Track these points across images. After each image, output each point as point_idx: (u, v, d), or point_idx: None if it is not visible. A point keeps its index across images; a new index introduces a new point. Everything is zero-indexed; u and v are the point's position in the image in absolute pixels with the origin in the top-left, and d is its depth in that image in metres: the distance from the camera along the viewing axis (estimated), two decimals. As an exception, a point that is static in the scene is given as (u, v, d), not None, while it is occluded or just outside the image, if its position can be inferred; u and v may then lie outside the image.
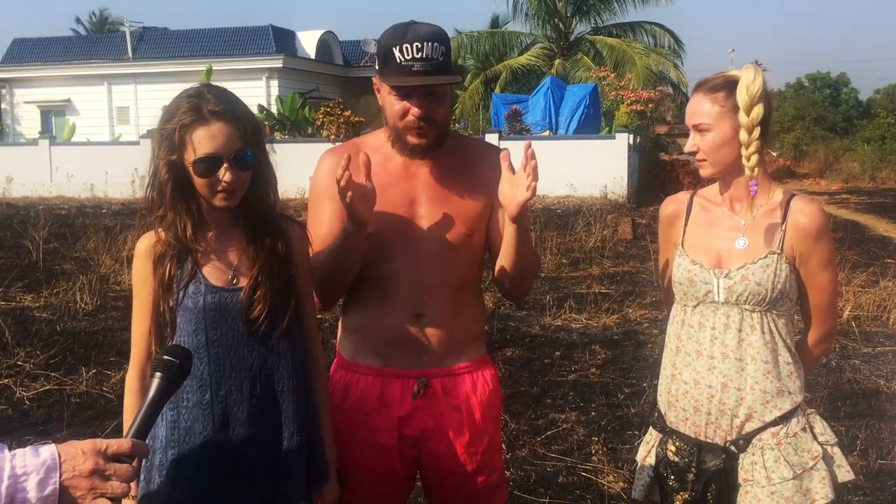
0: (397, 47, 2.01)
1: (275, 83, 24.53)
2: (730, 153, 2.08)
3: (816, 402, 4.99)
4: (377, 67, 2.12)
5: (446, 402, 2.23)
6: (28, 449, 1.34)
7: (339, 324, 2.35)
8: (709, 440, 2.15)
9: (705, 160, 2.12)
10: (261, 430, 1.96)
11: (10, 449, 1.33)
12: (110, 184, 19.69)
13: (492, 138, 17.30)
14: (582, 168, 17.33)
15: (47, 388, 5.58)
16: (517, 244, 2.10)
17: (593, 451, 4.48)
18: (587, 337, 6.92)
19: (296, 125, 21.03)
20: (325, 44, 27.22)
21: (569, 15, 28.56)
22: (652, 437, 2.31)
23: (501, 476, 2.39)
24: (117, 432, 4.42)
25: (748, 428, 2.11)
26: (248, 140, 1.89)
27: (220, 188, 1.87)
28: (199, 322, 1.91)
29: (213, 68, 21.64)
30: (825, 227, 2.09)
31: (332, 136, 18.59)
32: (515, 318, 7.48)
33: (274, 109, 21.91)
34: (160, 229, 1.93)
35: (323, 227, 2.16)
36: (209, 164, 1.84)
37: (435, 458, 2.25)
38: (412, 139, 2.10)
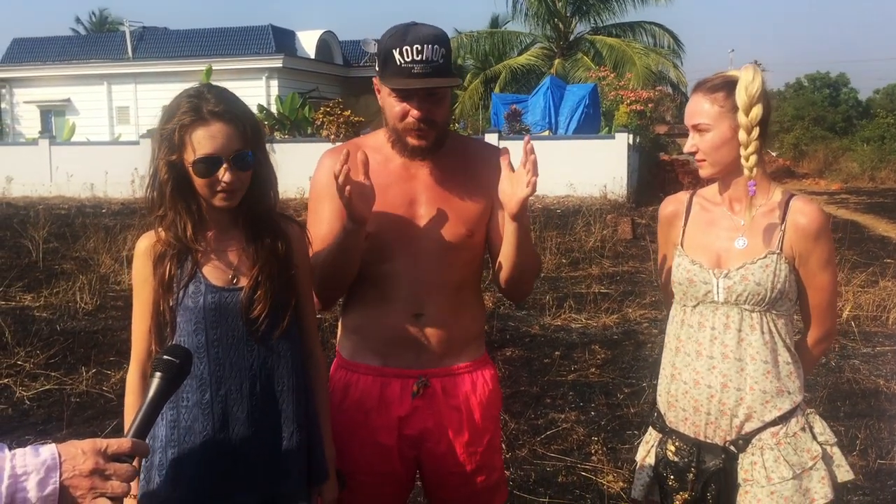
0: (398, 49, 2.01)
1: (274, 83, 24.53)
2: (729, 153, 2.08)
3: (816, 402, 4.99)
4: (377, 69, 2.12)
5: (446, 402, 2.23)
6: (28, 449, 1.34)
7: (339, 323, 2.35)
8: (708, 440, 2.15)
9: (705, 160, 2.12)
10: (261, 429, 1.96)
11: (10, 448, 1.34)
12: (110, 183, 19.69)
13: (491, 138, 17.30)
14: (581, 168, 17.34)
15: (47, 387, 5.59)
16: (518, 243, 2.10)
17: (593, 451, 4.48)
18: (587, 337, 6.92)
19: (295, 125, 21.03)
20: (324, 44, 27.22)
21: (568, 15, 28.56)
22: (651, 436, 2.32)
23: (501, 476, 2.40)
24: (117, 432, 4.43)
25: (748, 428, 2.11)
26: (248, 140, 1.89)
27: (219, 188, 1.87)
28: (199, 322, 1.92)
29: (213, 68, 21.64)
30: (824, 226, 2.10)
31: (332, 136, 18.59)
32: (515, 318, 7.48)
33: (274, 109, 21.91)
34: (160, 229, 1.93)
35: (323, 226, 2.17)
36: (209, 165, 1.84)
37: (435, 458, 2.25)
38: (412, 141, 2.10)
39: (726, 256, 2.13)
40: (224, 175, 1.86)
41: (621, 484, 4.05)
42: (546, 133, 19.71)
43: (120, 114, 25.87)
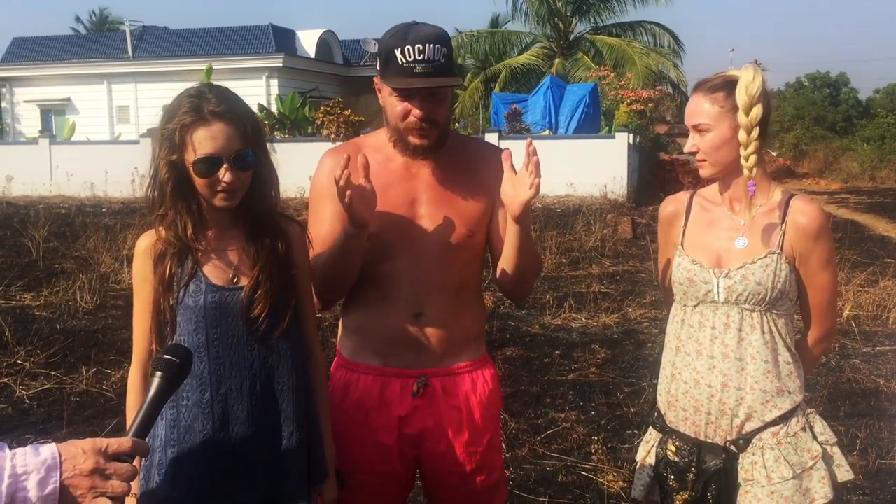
0: (399, 49, 2.01)
1: (275, 82, 24.53)
2: (729, 153, 2.08)
3: (816, 402, 4.99)
4: (378, 68, 2.12)
5: (446, 402, 2.23)
6: (28, 448, 1.34)
7: (340, 323, 2.35)
8: (709, 440, 2.15)
9: (705, 160, 2.12)
10: (260, 429, 1.96)
11: (10, 448, 1.34)
12: (110, 183, 19.70)
13: (491, 138, 17.31)
14: (582, 167, 17.33)
15: (47, 386, 5.59)
16: (519, 245, 2.10)
17: (593, 451, 4.48)
18: (587, 336, 6.92)
19: (296, 124, 21.03)
20: (324, 43, 27.21)
21: (568, 14, 28.55)
22: (652, 436, 2.32)
23: (501, 475, 2.39)
24: (117, 431, 4.43)
25: (748, 428, 2.11)
26: (249, 140, 1.89)
27: (220, 188, 1.87)
28: (200, 321, 1.92)
29: (213, 67, 21.64)
30: (825, 226, 2.10)
31: (332, 136, 18.59)
32: (515, 318, 7.49)
33: (274, 109, 21.91)
34: (161, 228, 1.93)
35: (324, 227, 2.17)
36: (209, 165, 1.84)
37: (434, 458, 2.25)
38: (414, 140, 2.10)
39: (727, 256, 2.13)
40: (224, 175, 1.86)
41: (621, 483, 4.06)
42: (546, 133, 19.70)
43: (120, 113, 25.87)
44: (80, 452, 1.34)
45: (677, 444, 2.19)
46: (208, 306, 1.91)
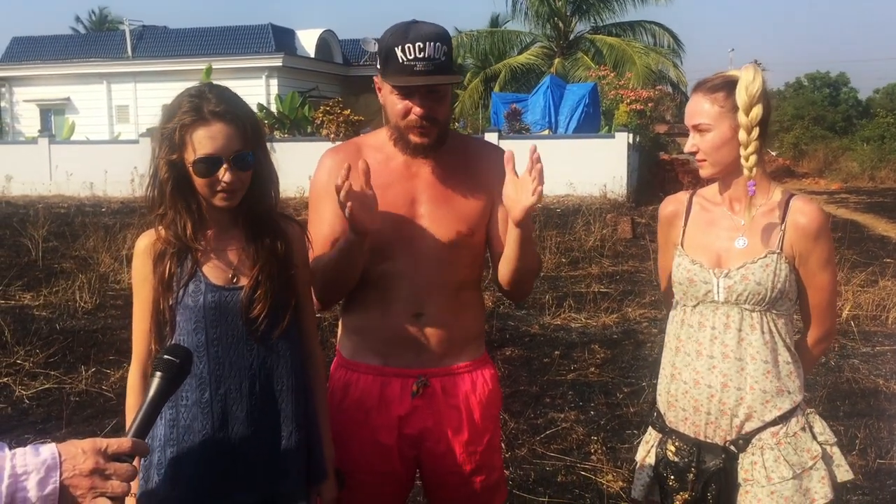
0: (399, 47, 2.01)
1: (274, 82, 24.52)
2: (729, 153, 2.08)
3: (815, 402, 4.99)
4: (379, 67, 2.12)
5: (445, 402, 2.23)
6: (28, 448, 1.34)
7: (339, 323, 2.35)
8: (708, 440, 2.15)
9: (705, 160, 2.12)
10: (260, 429, 1.96)
11: (10, 448, 1.33)
12: (109, 182, 19.70)
13: (491, 137, 17.30)
14: (581, 167, 17.33)
15: (46, 386, 5.58)
16: (520, 248, 2.10)
17: (592, 451, 4.48)
18: (586, 336, 6.92)
19: (295, 124, 21.03)
20: (324, 42, 27.21)
21: (568, 14, 28.55)
22: (651, 436, 2.32)
23: (501, 475, 2.39)
24: (116, 431, 4.43)
25: (748, 428, 2.11)
26: (249, 140, 1.89)
27: (219, 188, 1.87)
28: (199, 321, 1.92)
29: (213, 67, 21.62)
30: (824, 226, 2.10)
31: (332, 135, 18.59)
32: (515, 318, 7.49)
33: (273, 108, 21.91)
34: (160, 227, 1.93)
35: (324, 226, 2.16)
36: (209, 165, 1.84)
37: (434, 458, 2.25)
38: (414, 138, 2.10)
39: (726, 256, 2.13)
40: (224, 175, 1.86)
41: (621, 483, 4.06)
42: (546, 132, 19.71)
43: (119, 112, 25.87)
44: (79, 452, 1.34)
45: (677, 444, 2.19)
46: (208, 306, 1.91)
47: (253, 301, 1.92)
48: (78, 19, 54.09)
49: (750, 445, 2.11)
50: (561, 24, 28.54)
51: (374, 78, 2.17)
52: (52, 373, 5.82)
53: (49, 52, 27.02)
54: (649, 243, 10.61)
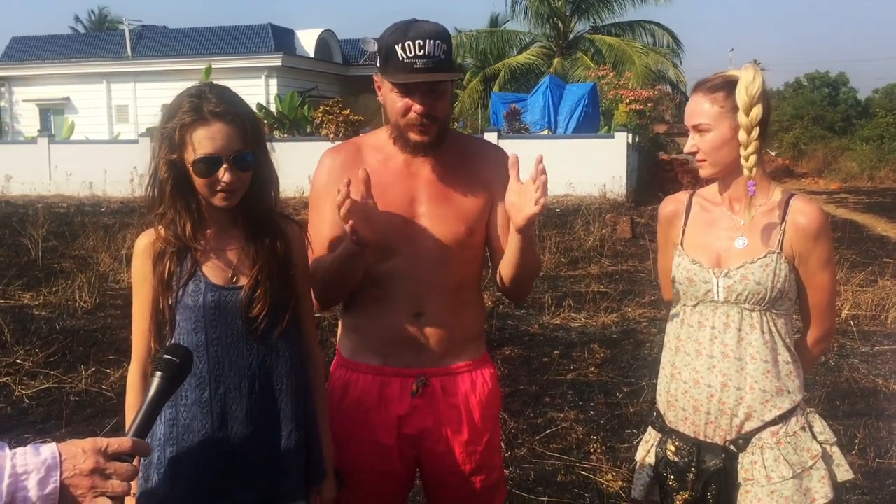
0: (399, 45, 2.01)
1: (274, 82, 24.51)
2: (729, 153, 2.08)
3: (814, 402, 5.00)
4: (379, 65, 2.12)
5: (445, 401, 2.23)
6: (29, 448, 1.34)
7: (339, 322, 2.35)
8: (708, 440, 2.15)
9: (705, 160, 2.12)
10: (259, 428, 1.96)
11: (10, 447, 1.34)
12: (109, 182, 19.70)
13: (491, 137, 17.31)
14: (581, 167, 17.33)
15: (46, 386, 5.58)
16: (521, 252, 2.09)
17: (592, 450, 4.49)
18: (586, 336, 6.92)
19: (295, 124, 21.03)
20: (324, 42, 27.20)
21: (568, 14, 28.54)
22: (651, 436, 2.32)
23: (501, 475, 2.39)
24: (116, 430, 4.43)
25: (748, 427, 2.11)
26: (249, 140, 1.89)
27: (219, 188, 1.87)
28: (199, 320, 1.92)
29: (213, 67, 21.62)
30: (824, 226, 2.10)
31: (332, 135, 18.59)
32: (514, 317, 7.49)
33: (273, 108, 21.91)
34: (160, 227, 1.93)
35: (324, 226, 2.16)
36: (209, 165, 1.85)
37: (434, 458, 2.25)
38: (414, 136, 2.10)
39: (726, 256, 2.14)
40: (224, 175, 1.86)
41: (620, 483, 4.06)
42: (545, 132, 19.71)
43: (119, 112, 25.87)
44: (80, 452, 1.34)
45: (677, 443, 2.19)
46: (207, 305, 1.91)
47: (252, 301, 1.92)
48: (77, 19, 54.16)
49: (750, 445, 2.12)
50: (560, 24, 28.54)
51: (374, 77, 2.17)
52: (52, 372, 5.82)
53: (49, 52, 27.01)
54: (649, 243, 10.61)
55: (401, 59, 2.01)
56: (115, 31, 30.42)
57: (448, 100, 2.14)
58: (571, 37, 28.89)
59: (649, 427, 2.34)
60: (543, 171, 1.94)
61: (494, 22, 33.52)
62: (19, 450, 1.33)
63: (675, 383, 2.20)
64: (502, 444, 3.49)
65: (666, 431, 2.24)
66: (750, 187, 2.07)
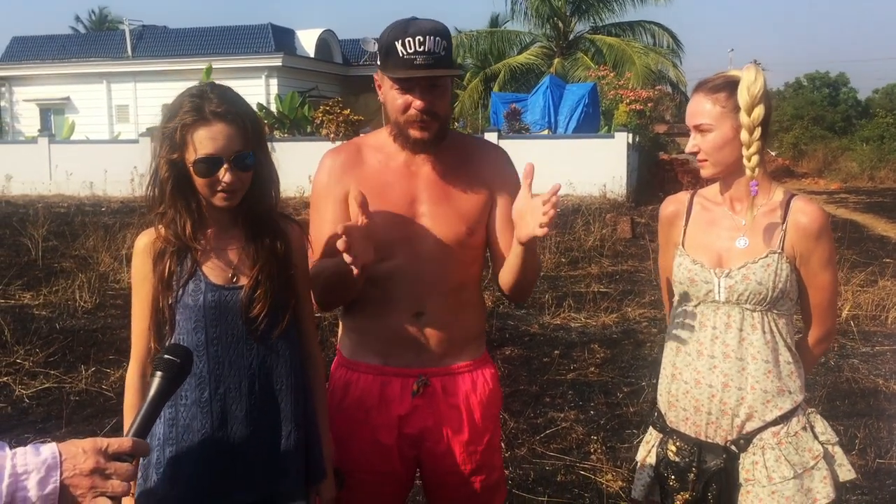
0: (399, 41, 2.01)
1: (274, 82, 24.51)
2: (731, 153, 2.08)
3: (815, 402, 4.99)
4: (379, 63, 2.12)
5: (446, 401, 2.23)
6: (29, 447, 1.34)
7: (340, 322, 2.35)
8: (709, 440, 2.15)
9: (706, 160, 2.12)
10: (259, 428, 1.96)
11: (10, 447, 1.33)
12: (109, 182, 19.70)
13: (491, 137, 17.29)
14: (581, 167, 17.32)
15: (46, 386, 5.58)
16: (522, 261, 2.09)
17: (592, 450, 4.48)
18: (586, 336, 6.92)
19: (295, 124, 21.03)
20: (324, 42, 27.20)
21: (568, 14, 28.54)
22: (652, 436, 2.32)
23: (501, 475, 2.39)
24: (116, 430, 4.42)
25: (749, 427, 2.11)
26: (250, 141, 1.89)
27: (219, 188, 1.87)
28: (199, 320, 1.92)
29: (213, 67, 21.62)
30: (825, 226, 2.10)
31: (332, 135, 18.59)
32: (514, 317, 7.49)
33: (273, 108, 21.91)
34: (160, 226, 1.93)
35: (325, 227, 2.16)
36: (209, 165, 1.84)
37: (434, 458, 2.25)
38: (414, 133, 2.10)
39: (727, 256, 2.13)
40: (224, 175, 1.86)
41: (620, 483, 4.06)
42: (545, 132, 19.71)
43: (119, 112, 25.86)
44: (80, 452, 1.34)
45: (678, 444, 2.19)
46: (208, 305, 1.91)
47: (253, 300, 1.92)
48: (78, 19, 54.21)
49: (751, 445, 2.11)
50: (560, 24, 28.53)
51: (374, 76, 2.18)
52: (52, 372, 5.82)
53: (49, 52, 27.01)
54: (649, 243, 10.61)
55: (401, 55, 2.01)
56: (115, 31, 30.44)
57: (448, 98, 2.14)
58: (571, 37, 28.89)
59: (650, 427, 2.34)
60: (556, 205, 1.91)
61: (494, 22, 33.52)
62: (19, 450, 1.33)
63: (676, 383, 2.20)
64: (502, 444, 3.49)
65: (667, 431, 2.24)
66: (752, 187, 2.07)
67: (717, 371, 2.12)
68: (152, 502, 1.92)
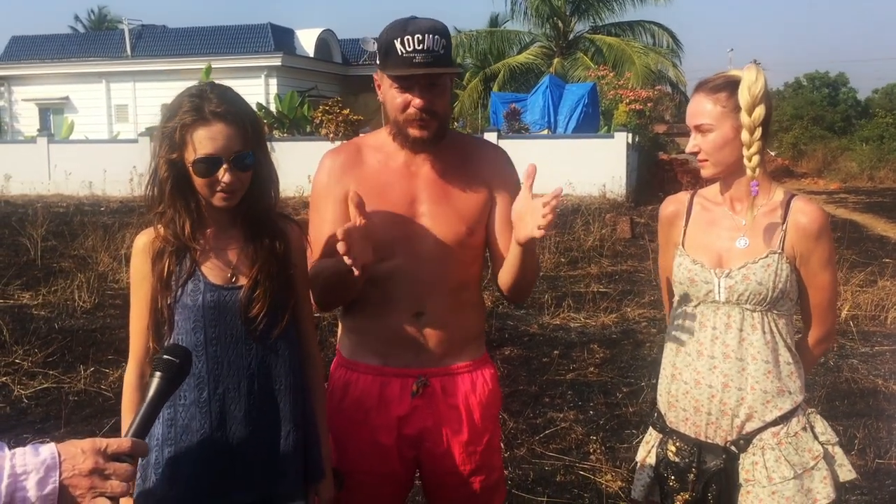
0: (398, 40, 2.01)
1: (273, 81, 24.51)
2: (731, 153, 2.08)
3: (814, 402, 4.99)
4: (378, 62, 2.12)
5: (445, 402, 2.22)
6: (28, 448, 1.33)
7: (339, 322, 2.35)
8: (709, 440, 2.15)
9: (707, 160, 2.12)
10: (258, 428, 1.95)
11: (9, 447, 1.33)
12: (108, 182, 19.70)
13: (490, 137, 17.29)
14: (581, 167, 17.31)
15: (45, 386, 5.58)
16: (521, 262, 2.09)
17: (591, 450, 4.48)
18: (585, 336, 6.92)
19: (294, 123, 21.02)
20: (323, 42, 27.20)
21: (568, 14, 28.54)
22: (652, 437, 2.31)
23: (500, 476, 2.39)
24: (115, 430, 4.42)
25: (749, 428, 2.11)
26: (249, 141, 1.89)
27: (219, 188, 1.87)
28: (198, 320, 1.91)
29: (212, 66, 21.61)
30: (825, 226, 2.10)
31: (331, 135, 18.58)
32: (514, 317, 7.48)
33: (273, 108, 21.90)
34: (159, 226, 1.93)
35: (325, 227, 2.16)
36: (209, 165, 1.84)
37: (434, 458, 2.25)
38: (414, 132, 2.10)
39: (728, 256, 2.13)
40: (224, 175, 1.85)
41: (620, 483, 4.06)
42: (545, 132, 19.70)
43: (118, 112, 25.86)
44: (79, 452, 1.33)
45: (678, 444, 2.19)
46: (207, 305, 1.91)
47: (252, 300, 1.92)
48: (77, 18, 54.16)
49: (751, 446, 2.11)
50: (560, 24, 28.54)
51: (374, 75, 2.18)
52: (51, 372, 5.81)
53: (48, 52, 27.01)
54: (648, 243, 10.61)
55: (400, 53, 2.01)
56: (114, 31, 30.42)
57: (447, 96, 2.14)
58: (571, 37, 28.89)
59: (650, 427, 2.34)
60: (555, 209, 1.92)
61: (494, 22, 33.51)
62: (18, 450, 1.33)
63: (676, 384, 2.20)
64: (502, 445, 3.49)
65: (667, 432, 2.24)
66: (753, 187, 2.07)
67: (717, 371, 2.12)
68: (151, 502, 1.91)
